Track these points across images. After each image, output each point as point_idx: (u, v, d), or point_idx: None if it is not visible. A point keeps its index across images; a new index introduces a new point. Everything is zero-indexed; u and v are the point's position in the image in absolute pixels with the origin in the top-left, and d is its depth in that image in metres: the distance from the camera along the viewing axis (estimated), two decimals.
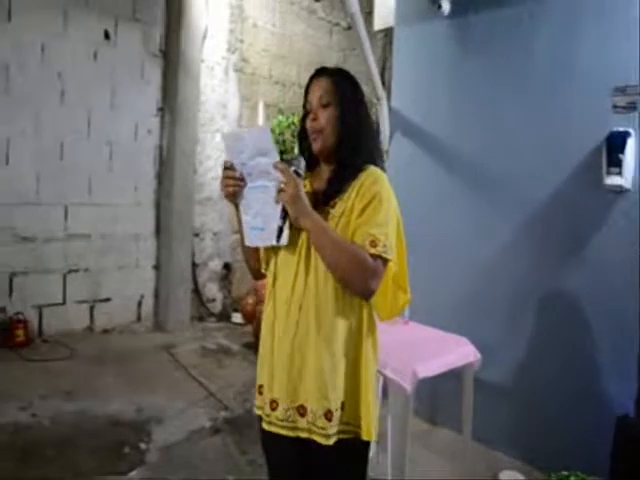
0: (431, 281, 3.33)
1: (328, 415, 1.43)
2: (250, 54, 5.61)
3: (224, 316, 5.47)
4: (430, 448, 3.01)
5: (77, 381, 3.65)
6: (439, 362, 2.29)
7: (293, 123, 5.06)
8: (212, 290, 5.51)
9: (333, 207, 1.48)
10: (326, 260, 1.42)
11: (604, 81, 2.64)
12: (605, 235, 2.65)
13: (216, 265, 5.44)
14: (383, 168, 1.57)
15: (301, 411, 1.46)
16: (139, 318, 5.05)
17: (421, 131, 3.48)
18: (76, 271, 4.64)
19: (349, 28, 6.14)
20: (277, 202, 1.42)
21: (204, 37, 5.17)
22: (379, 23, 4.63)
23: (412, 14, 3.57)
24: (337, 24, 6.28)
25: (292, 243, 1.47)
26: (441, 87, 3.38)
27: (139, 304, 5.05)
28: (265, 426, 1.52)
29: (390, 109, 3.76)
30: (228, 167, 1.48)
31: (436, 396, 3.19)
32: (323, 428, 1.43)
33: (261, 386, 1.56)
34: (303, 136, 1.59)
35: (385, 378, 2.36)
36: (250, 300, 5.07)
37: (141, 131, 4.94)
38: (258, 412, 1.57)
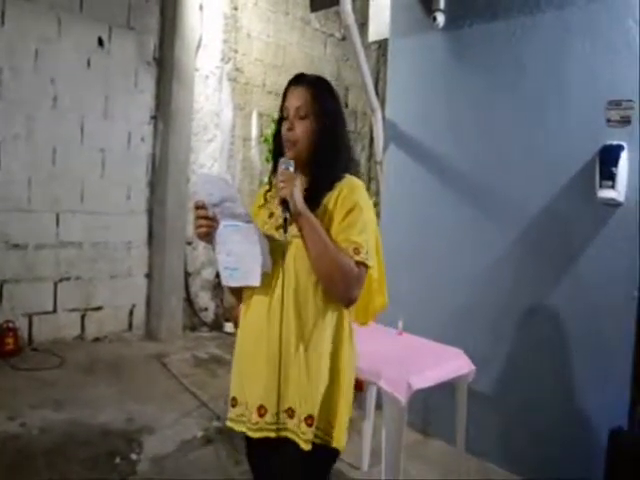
0: (424, 292, 3.34)
1: (309, 420, 1.46)
2: (244, 64, 5.63)
3: (216, 325, 5.44)
4: (423, 459, 3.00)
5: (67, 390, 3.61)
6: (434, 373, 2.29)
7: None
8: (204, 299, 5.47)
9: None
10: (314, 261, 1.43)
11: (597, 94, 2.67)
12: (598, 248, 2.67)
13: (209, 274, 5.42)
14: (357, 177, 1.59)
15: (290, 413, 1.48)
16: (130, 327, 5.00)
17: (415, 142, 3.50)
18: (67, 279, 4.60)
19: (343, 39, 6.20)
20: (251, 242, 1.43)
21: (198, 46, 5.18)
22: (374, 35, 4.67)
23: (407, 26, 3.60)
24: (331, 35, 6.31)
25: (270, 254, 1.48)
26: (435, 99, 3.40)
27: (131, 313, 5.01)
28: (252, 434, 1.52)
29: (384, 120, 3.78)
30: (200, 206, 1.46)
31: (428, 406, 3.19)
32: (304, 433, 1.46)
33: (234, 398, 1.57)
34: (278, 141, 1.57)
35: (379, 389, 2.36)
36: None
37: (134, 139, 4.92)
38: (235, 425, 1.57)
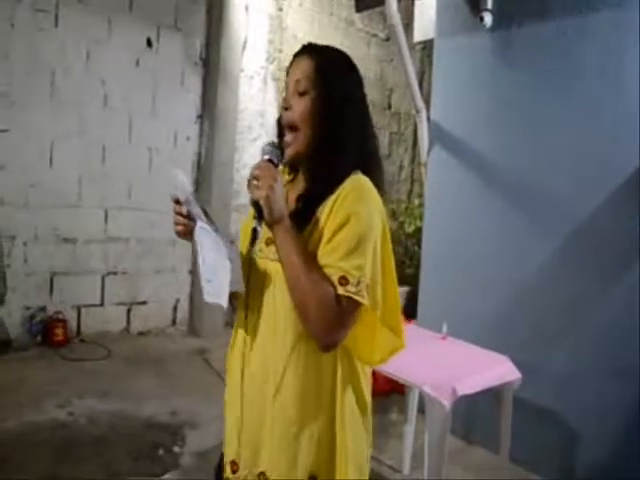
0: (469, 296, 3.30)
1: None
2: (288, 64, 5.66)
3: None
4: (465, 467, 2.96)
5: (113, 382, 3.72)
6: (479, 380, 2.25)
7: None
8: None
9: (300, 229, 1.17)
10: (289, 285, 1.12)
11: None
12: None
13: None
14: (379, 179, 1.23)
15: (262, 479, 1.19)
16: (174, 322, 5.12)
17: (461, 144, 3.46)
18: (114, 273, 4.73)
19: (387, 39, 6.17)
20: (220, 252, 1.16)
21: (244, 47, 5.24)
22: (419, 35, 4.62)
23: (453, 26, 3.56)
24: (375, 35, 6.29)
25: (251, 278, 1.22)
26: (482, 100, 3.35)
27: (175, 308, 5.11)
28: None
29: (429, 121, 3.75)
30: (176, 202, 1.23)
31: (471, 413, 3.15)
32: None
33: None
34: (281, 129, 1.25)
35: (421, 393, 2.34)
36: None
37: (180, 138, 5.02)
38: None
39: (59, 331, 4.28)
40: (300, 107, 1.18)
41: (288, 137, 1.20)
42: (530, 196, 3.08)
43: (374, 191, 1.18)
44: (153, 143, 4.86)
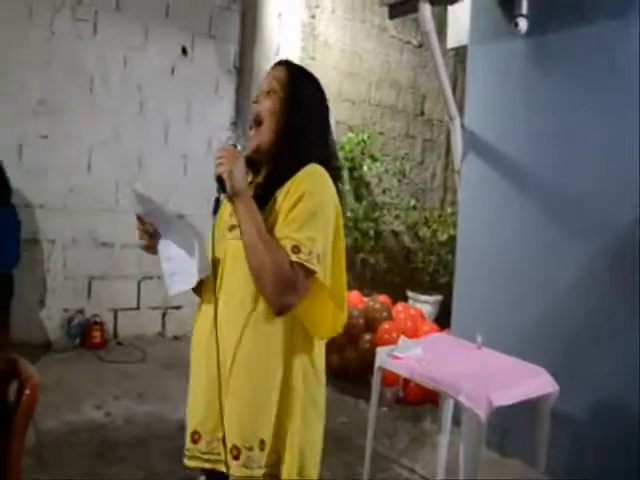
0: (503, 306, 3.27)
1: (234, 451, 1.24)
2: (321, 71, 5.68)
3: None
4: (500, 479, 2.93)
5: (149, 384, 3.79)
6: (515, 391, 2.23)
7: (363, 140, 5.08)
8: None
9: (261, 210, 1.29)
10: (247, 252, 1.23)
11: None
12: None
13: None
14: (336, 175, 1.36)
15: (225, 443, 1.27)
16: None
17: (495, 151, 3.43)
18: (150, 278, 4.81)
19: (420, 46, 6.15)
20: (187, 239, 1.29)
21: (277, 54, 5.28)
22: (452, 41, 4.61)
23: (487, 32, 3.53)
24: (408, 42, 6.26)
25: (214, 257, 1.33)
26: (517, 106, 3.32)
27: None
28: (187, 462, 1.33)
29: (463, 128, 3.73)
30: (139, 218, 1.37)
31: (506, 425, 3.10)
32: (230, 467, 1.25)
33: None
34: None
35: (456, 404, 2.33)
36: None
37: (214, 144, 5.07)
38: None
39: (97, 334, 4.38)
40: (267, 103, 1.35)
41: (252, 132, 1.37)
42: (566, 203, 3.04)
43: (330, 180, 1.30)
44: (188, 149, 4.95)
